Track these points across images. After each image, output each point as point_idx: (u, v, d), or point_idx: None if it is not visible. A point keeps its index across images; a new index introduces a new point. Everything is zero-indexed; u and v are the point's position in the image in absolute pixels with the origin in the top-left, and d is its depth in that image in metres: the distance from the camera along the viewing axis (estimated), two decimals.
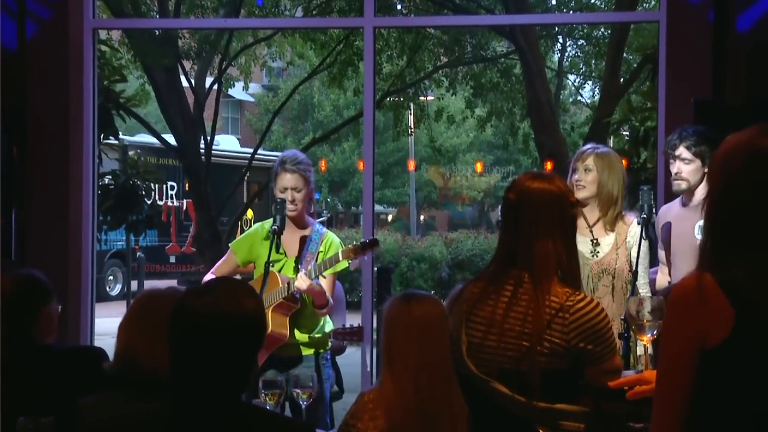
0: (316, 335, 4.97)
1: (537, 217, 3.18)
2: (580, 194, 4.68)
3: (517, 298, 3.15)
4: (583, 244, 4.61)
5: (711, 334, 2.26)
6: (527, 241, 3.17)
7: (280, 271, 4.89)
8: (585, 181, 4.72)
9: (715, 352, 2.27)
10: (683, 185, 4.80)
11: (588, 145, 4.92)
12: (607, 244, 4.73)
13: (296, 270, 4.88)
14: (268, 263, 4.66)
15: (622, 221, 4.76)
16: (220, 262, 5.13)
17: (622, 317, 4.36)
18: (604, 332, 3.14)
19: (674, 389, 2.32)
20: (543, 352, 3.08)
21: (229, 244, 5.12)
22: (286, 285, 4.74)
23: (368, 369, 6.01)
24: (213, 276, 4.95)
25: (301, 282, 4.70)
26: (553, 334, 3.09)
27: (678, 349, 2.32)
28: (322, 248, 4.94)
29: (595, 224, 4.77)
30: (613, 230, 4.74)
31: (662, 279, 5.02)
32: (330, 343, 5.06)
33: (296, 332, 4.89)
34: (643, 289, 4.69)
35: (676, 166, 4.81)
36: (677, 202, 4.95)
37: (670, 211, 4.96)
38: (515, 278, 3.17)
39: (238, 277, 4.93)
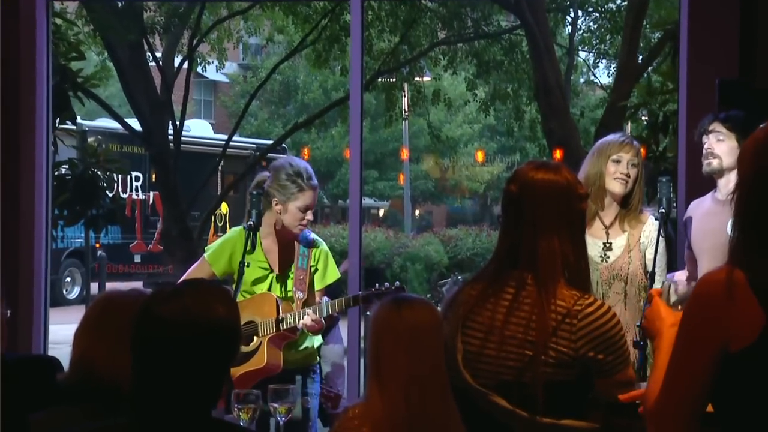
0: (303, 351, 5.01)
1: (541, 211, 3.19)
2: (621, 189, 4.75)
3: (519, 302, 3.16)
4: (592, 247, 4.62)
5: (735, 336, 2.28)
6: (530, 239, 3.18)
7: (270, 289, 4.94)
8: (631, 176, 4.76)
9: (738, 357, 2.29)
10: (714, 163, 4.79)
11: (623, 134, 4.95)
12: (618, 247, 4.75)
13: (281, 285, 4.94)
14: (242, 263, 4.68)
15: (637, 219, 4.78)
16: (190, 271, 5.14)
17: (638, 324, 4.39)
18: (617, 340, 3.16)
19: (684, 392, 2.35)
20: (548, 362, 3.09)
21: (204, 255, 5.11)
22: (283, 317, 4.79)
23: (355, 381, 6.03)
24: None
25: (309, 321, 4.76)
26: (560, 342, 3.10)
27: (696, 348, 2.34)
28: (312, 262, 4.99)
29: (612, 225, 4.79)
30: (625, 231, 4.77)
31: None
32: (318, 357, 5.11)
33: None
34: None
35: (708, 143, 4.82)
36: (709, 196, 4.94)
37: (700, 206, 4.94)
38: (517, 280, 3.18)
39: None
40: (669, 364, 2.40)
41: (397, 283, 4.75)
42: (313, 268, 5.00)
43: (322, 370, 5.24)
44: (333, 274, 5.07)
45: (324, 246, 5.09)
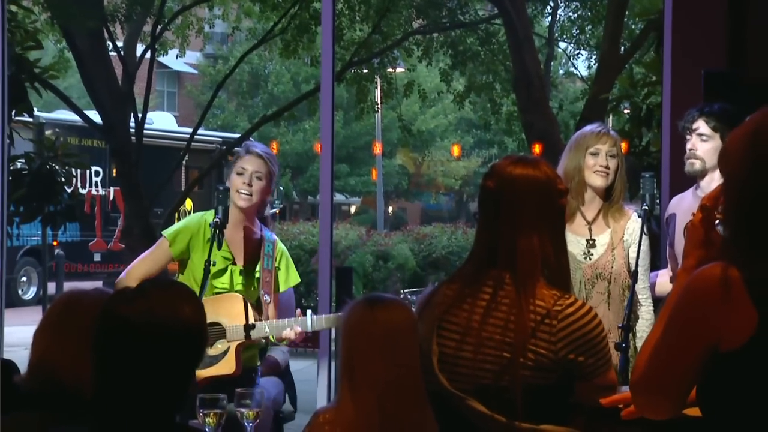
0: (247, 352, 4.99)
1: (520, 208, 3.20)
2: (602, 182, 4.73)
3: (496, 303, 3.16)
4: (575, 245, 4.63)
5: (727, 336, 2.30)
6: (509, 237, 3.18)
7: (231, 281, 4.92)
8: (611, 168, 4.75)
9: (727, 358, 2.30)
10: (697, 165, 4.81)
11: (600, 125, 4.93)
12: (601, 244, 4.75)
13: (243, 278, 4.93)
14: (208, 261, 4.66)
15: (620, 212, 4.79)
16: (148, 252, 5.12)
17: (620, 325, 4.40)
18: (598, 342, 3.16)
19: (667, 387, 2.37)
20: (527, 365, 3.09)
21: (162, 233, 5.08)
22: (255, 325, 4.77)
23: (325, 385, 6.03)
24: (137, 268, 4.96)
25: (293, 335, 4.77)
26: (539, 343, 3.10)
27: (684, 346, 2.35)
28: (277, 263, 4.99)
29: (594, 221, 4.79)
30: (609, 227, 4.77)
31: (668, 283, 5.02)
32: (258, 361, 5.11)
33: None
34: (643, 295, 4.72)
35: (691, 142, 4.83)
36: (689, 192, 4.95)
37: (681, 203, 4.95)
38: (495, 279, 3.18)
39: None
40: (653, 355, 2.41)
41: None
42: (277, 269, 5.01)
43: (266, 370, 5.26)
44: (294, 276, 5.11)
45: (283, 247, 5.10)
